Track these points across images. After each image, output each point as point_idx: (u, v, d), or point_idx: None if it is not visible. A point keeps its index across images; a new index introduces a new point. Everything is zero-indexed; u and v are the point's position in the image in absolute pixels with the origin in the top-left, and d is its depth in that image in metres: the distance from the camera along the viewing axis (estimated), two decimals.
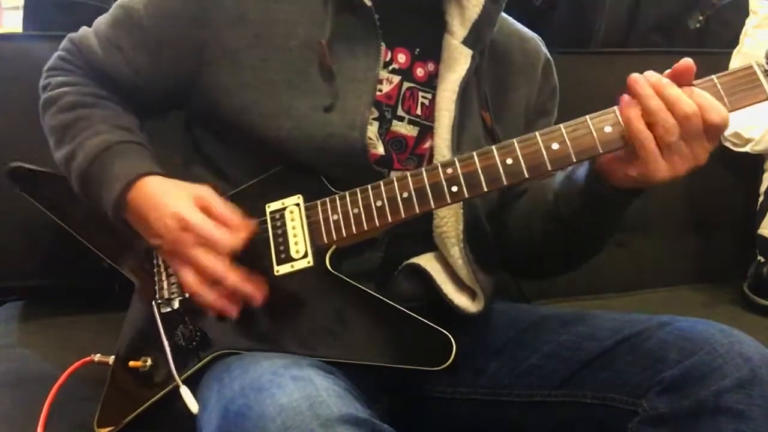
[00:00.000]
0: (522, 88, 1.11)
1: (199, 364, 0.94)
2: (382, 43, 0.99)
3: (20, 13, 1.54)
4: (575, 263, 1.08)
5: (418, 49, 1.03)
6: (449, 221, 1.01)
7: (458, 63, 1.00)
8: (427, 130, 1.03)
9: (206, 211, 0.91)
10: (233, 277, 0.89)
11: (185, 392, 0.91)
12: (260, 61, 0.97)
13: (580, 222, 0.96)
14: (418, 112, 1.03)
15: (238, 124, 0.97)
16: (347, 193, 0.93)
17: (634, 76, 0.84)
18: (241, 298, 0.90)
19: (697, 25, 1.86)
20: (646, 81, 0.83)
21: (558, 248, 1.04)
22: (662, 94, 0.82)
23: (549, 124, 1.11)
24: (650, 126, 0.82)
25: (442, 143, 1.00)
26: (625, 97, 0.84)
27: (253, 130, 0.96)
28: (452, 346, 0.90)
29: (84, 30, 1.06)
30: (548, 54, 1.16)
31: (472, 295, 1.05)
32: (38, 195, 1.09)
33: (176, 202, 0.91)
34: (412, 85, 1.03)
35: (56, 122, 1.02)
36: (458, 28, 1.01)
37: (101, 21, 1.05)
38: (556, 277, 1.16)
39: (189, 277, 0.90)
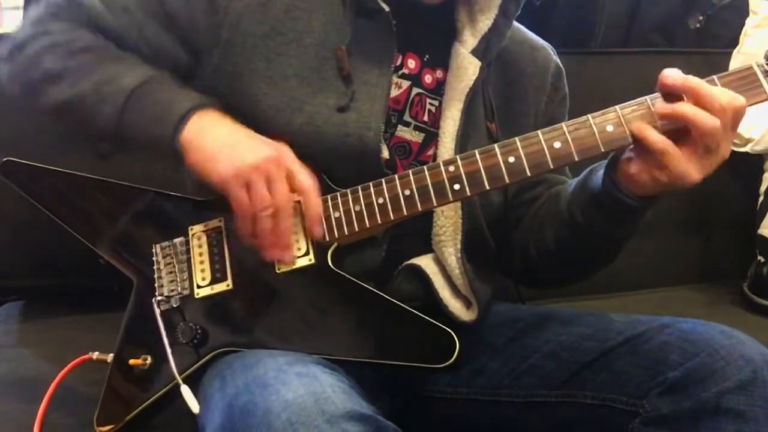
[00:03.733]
0: (530, 98, 1.10)
1: (200, 362, 0.93)
2: (395, 49, 0.99)
3: (20, 13, 1.54)
4: (589, 271, 1.08)
5: (427, 56, 1.03)
6: (447, 230, 1.00)
7: (466, 72, 1.00)
8: (432, 137, 1.03)
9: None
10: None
11: (186, 391, 0.90)
12: (274, 54, 0.96)
13: (597, 230, 0.96)
14: (425, 118, 1.03)
15: (247, 114, 0.95)
16: (349, 191, 0.93)
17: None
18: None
19: (697, 25, 1.86)
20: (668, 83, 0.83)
21: (572, 256, 1.04)
22: (695, 92, 0.82)
23: None
24: (690, 133, 0.82)
25: (445, 152, 1.00)
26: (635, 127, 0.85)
27: (263, 122, 0.95)
28: (455, 343, 0.90)
29: None
30: (559, 62, 1.15)
31: (468, 303, 1.05)
32: (31, 189, 1.07)
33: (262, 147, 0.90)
34: (421, 91, 1.02)
35: (76, 62, 0.94)
36: (469, 37, 1.01)
37: None
38: (567, 286, 1.15)
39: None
